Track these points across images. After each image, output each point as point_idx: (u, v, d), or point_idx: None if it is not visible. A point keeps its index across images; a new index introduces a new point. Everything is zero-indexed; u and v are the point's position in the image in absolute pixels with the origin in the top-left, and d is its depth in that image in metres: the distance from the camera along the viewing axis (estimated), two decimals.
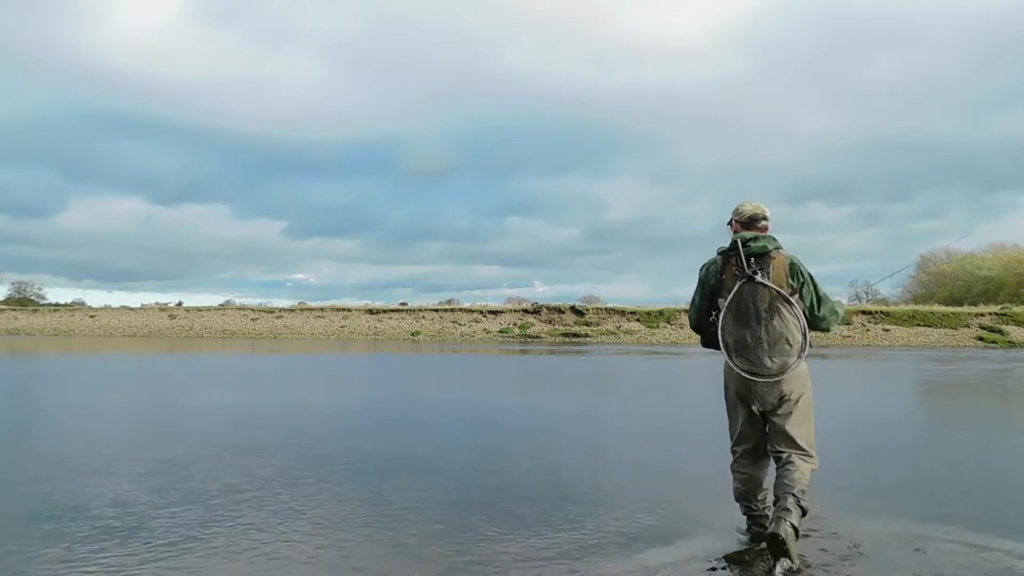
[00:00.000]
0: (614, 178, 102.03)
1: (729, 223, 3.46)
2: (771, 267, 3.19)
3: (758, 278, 3.15)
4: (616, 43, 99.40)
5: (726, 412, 3.41)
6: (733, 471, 3.34)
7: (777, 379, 3.10)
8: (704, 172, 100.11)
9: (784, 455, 3.13)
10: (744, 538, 3.31)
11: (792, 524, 2.85)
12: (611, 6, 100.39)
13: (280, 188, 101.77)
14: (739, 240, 3.24)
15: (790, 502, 2.92)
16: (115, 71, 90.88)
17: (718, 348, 3.24)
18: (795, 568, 2.81)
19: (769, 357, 3.11)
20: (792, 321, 3.15)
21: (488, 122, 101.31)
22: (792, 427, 3.15)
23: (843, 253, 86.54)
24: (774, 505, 3.05)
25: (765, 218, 3.35)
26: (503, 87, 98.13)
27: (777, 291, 3.14)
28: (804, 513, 2.95)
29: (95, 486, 4.29)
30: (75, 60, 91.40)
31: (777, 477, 3.11)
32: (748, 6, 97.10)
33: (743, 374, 3.13)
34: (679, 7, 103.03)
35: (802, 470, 3.06)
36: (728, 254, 3.27)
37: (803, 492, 2.97)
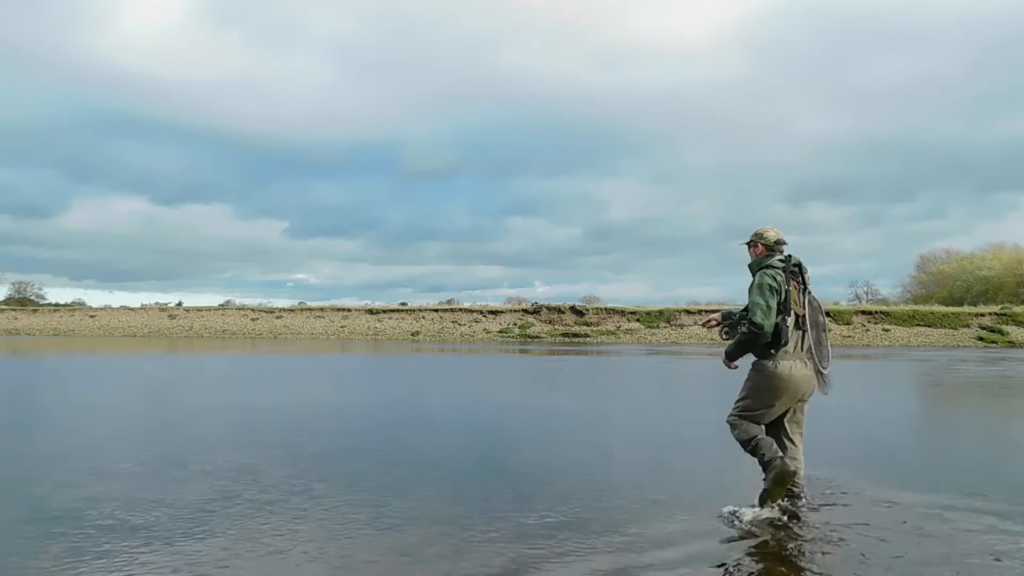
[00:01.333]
0: (616, 178, 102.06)
1: (751, 245, 4.04)
2: (810, 285, 3.91)
3: (813, 293, 3.87)
4: (619, 44, 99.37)
5: (748, 396, 3.84)
6: (735, 423, 3.86)
7: (827, 375, 3.84)
8: (705, 172, 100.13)
9: (797, 444, 3.92)
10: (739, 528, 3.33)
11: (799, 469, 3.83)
12: (613, 7, 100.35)
13: (282, 188, 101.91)
14: (798, 260, 3.87)
15: (804, 495, 3.90)
16: (120, 72, 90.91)
17: (771, 349, 3.74)
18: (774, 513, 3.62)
19: (824, 358, 3.84)
20: (827, 330, 3.93)
21: (491, 123, 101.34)
22: (805, 419, 3.98)
23: (844, 253, 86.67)
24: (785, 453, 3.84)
25: (786, 243, 3.97)
26: (506, 88, 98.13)
27: (820, 306, 3.90)
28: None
29: (96, 486, 4.28)
30: (80, 61, 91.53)
31: (791, 445, 3.89)
32: (750, 7, 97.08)
33: (822, 370, 3.79)
34: (681, 8, 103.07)
35: (802, 460, 3.92)
36: (788, 270, 3.81)
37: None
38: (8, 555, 3.08)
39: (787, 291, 3.72)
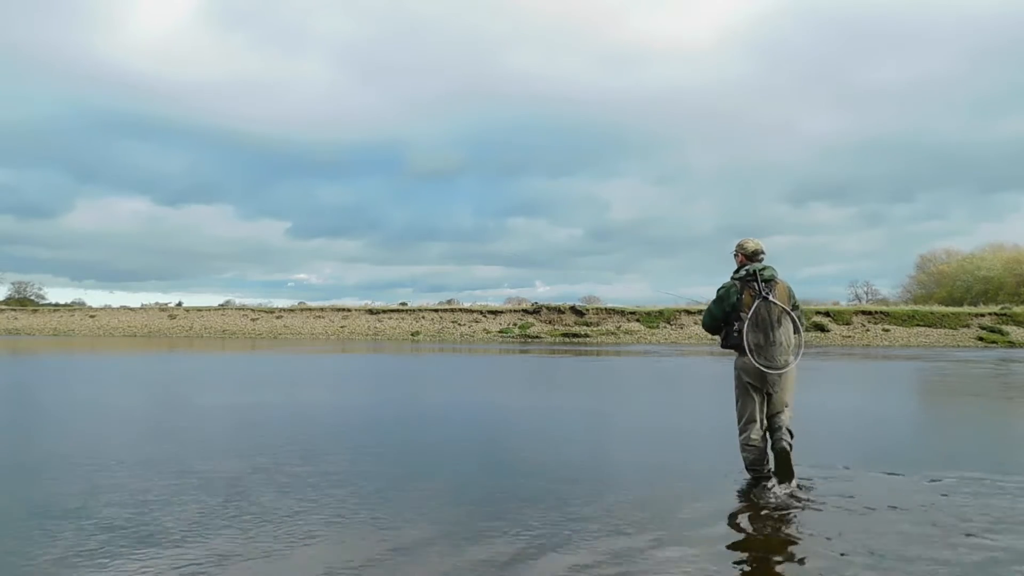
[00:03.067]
0: (618, 179, 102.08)
1: (735, 255, 4.59)
2: (775, 289, 4.37)
3: (770, 298, 4.31)
4: (622, 45, 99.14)
5: (737, 399, 4.45)
6: (744, 446, 4.39)
7: (784, 371, 4.25)
8: (708, 173, 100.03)
9: (778, 412, 4.35)
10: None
11: (789, 442, 4.21)
12: (618, 9, 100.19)
13: (286, 189, 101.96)
14: (755, 270, 4.38)
15: (785, 430, 4.27)
16: (127, 74, 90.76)
17: (737, 349, 4.35)
18: (791, 489, 4.13)
19: (778, 355, 4.24)
20: (790, 329, 4.35)
21: (495, 124, 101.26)
22: (784, 395, 4.36)
23: (844, 253, 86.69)
24: (771, 436, 4.31)
25: (763, 252, 4.51)
26: (510, 89, 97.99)
27: (782, 308, 4.33)
28: (792, 436, 4.27)
29: (95, 485, 4.29)
30: (86, 63, 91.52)
31: (772, 421, 4.33)
32: (752, 8, 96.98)
33: (762, 368, 4.21)
34: (684, 10, 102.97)
35: (788, 416, 4.36)
36: (746, 280, 4.38)
37: (790, 429, 4.30)
38: (9, 554, 3.09)
39: (739, 299, 4.37)
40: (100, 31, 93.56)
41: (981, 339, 33.45)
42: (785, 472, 4.19)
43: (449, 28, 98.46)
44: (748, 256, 4.52)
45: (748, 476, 4.45)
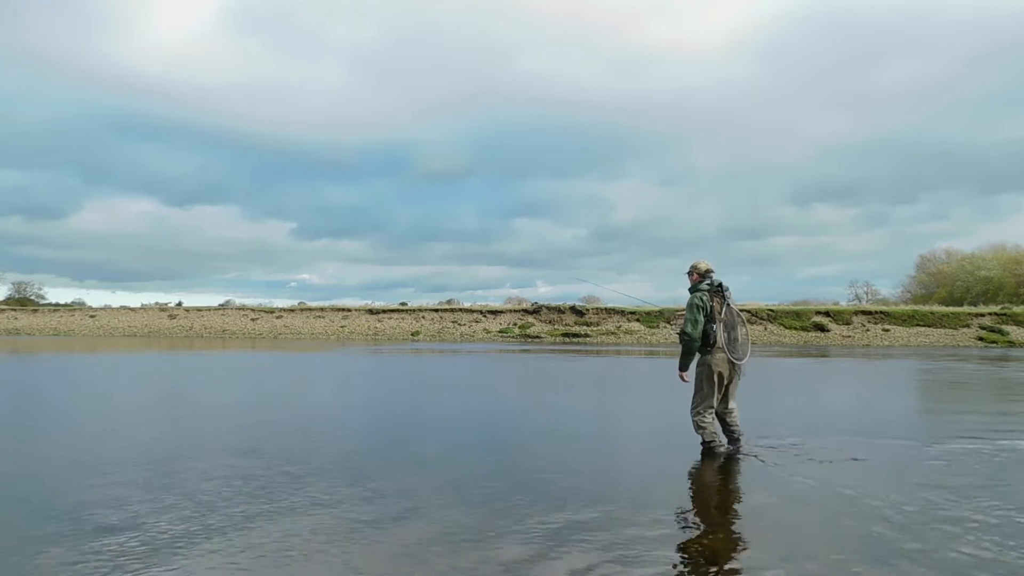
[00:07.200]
0: (623, 180, 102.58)
1: (689, 274, 5.53)
2: (730, 299, 5.39)
3: (732, 305, 5.37)
4: (630, 49, 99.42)
5: (701, 386, 5.33)
6: (701, 424, 5.33)
7: (744, 362, 5.34)
8: (712, 174, 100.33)
9: (733, 408, 5.44)
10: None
11: (741, 436, 5.44)
12: (626, 13, 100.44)
13: (293, 190, 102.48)
14: (719, 282, 5.38)
15: (742, 439, 5.45)
16: (144, 77, 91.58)
17: (711, 346, 5.26)
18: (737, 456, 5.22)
19: (740, 349, 5.31)
20: (744, 330, 5.39)
21: (502, 126, 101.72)
22: (737, 390, 5.46)
23: (846, 253, 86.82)
24: (729, 436, 5.45)
25: (713, 271, 5.45)
26: (518, 92, 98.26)
27: (738, 313, 5.37)
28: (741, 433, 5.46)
29: (95, 486, 4.30)
30: (102, 67, 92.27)
31: (730, 422, 5.43)
32: (759, 13, 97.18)
33: (733, 360, 5.26)
34: (691, 14, 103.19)
35: (737, 415, 5.47)
36: (714, 291, 5.34)
37: (740, 429, 5.47)
38: (10, 554, 3.09)
39: (712, 306, 5.24)
40: (116, 35, 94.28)
41: (981, 339, 33.46)
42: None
43: (459, 32, 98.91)
44: (701, 275, 5.43)
45: (704, 447, 5.37)
